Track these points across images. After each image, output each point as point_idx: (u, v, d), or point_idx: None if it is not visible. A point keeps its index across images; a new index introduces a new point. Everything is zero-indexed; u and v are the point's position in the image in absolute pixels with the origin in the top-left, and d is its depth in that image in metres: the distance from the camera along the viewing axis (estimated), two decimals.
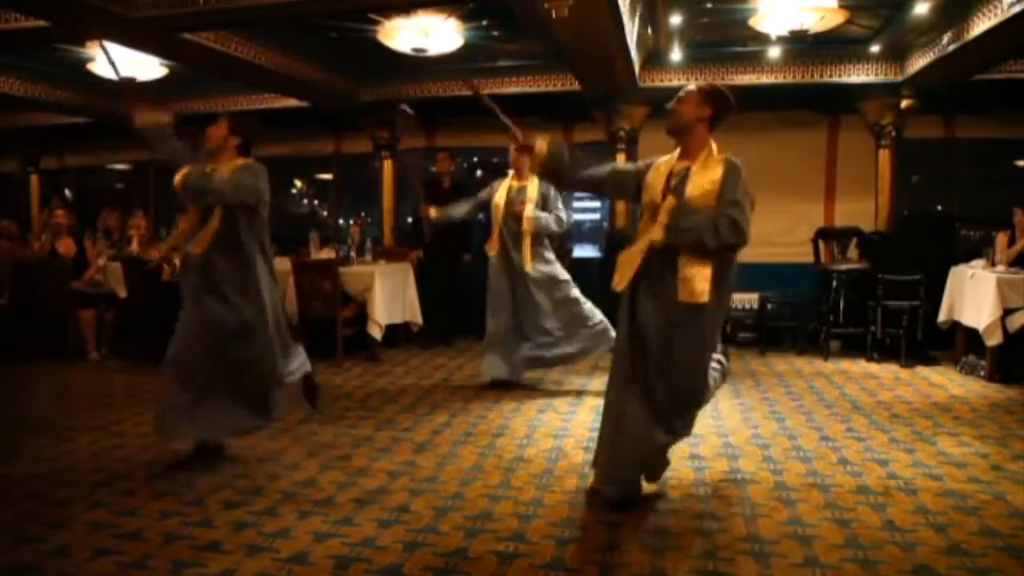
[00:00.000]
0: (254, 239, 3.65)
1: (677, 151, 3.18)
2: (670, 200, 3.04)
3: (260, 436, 3.97)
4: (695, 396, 3.22)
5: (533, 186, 5.24)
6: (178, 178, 3.58)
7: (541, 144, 3.27)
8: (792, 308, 7.06)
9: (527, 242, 5.17)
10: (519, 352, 5.31)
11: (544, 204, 5.21)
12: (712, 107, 3.08)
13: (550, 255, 5.30)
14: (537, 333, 5.27)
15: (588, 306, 5.26)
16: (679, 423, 3.23)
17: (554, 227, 5.23)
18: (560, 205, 5.27)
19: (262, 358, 3.66)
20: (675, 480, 3.48)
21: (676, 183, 3.07)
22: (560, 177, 3.47)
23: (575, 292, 5.26)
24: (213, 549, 2.77)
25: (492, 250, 5.32)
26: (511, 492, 3.34)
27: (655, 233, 3.04)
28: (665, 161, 3.19)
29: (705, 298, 3.02)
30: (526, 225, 5.13)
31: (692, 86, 3.17)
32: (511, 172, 5.40)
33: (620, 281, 3.15)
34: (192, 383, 3.58)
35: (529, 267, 5.17)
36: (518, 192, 5.25)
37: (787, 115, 7.32)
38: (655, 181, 3.14)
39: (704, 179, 3.02)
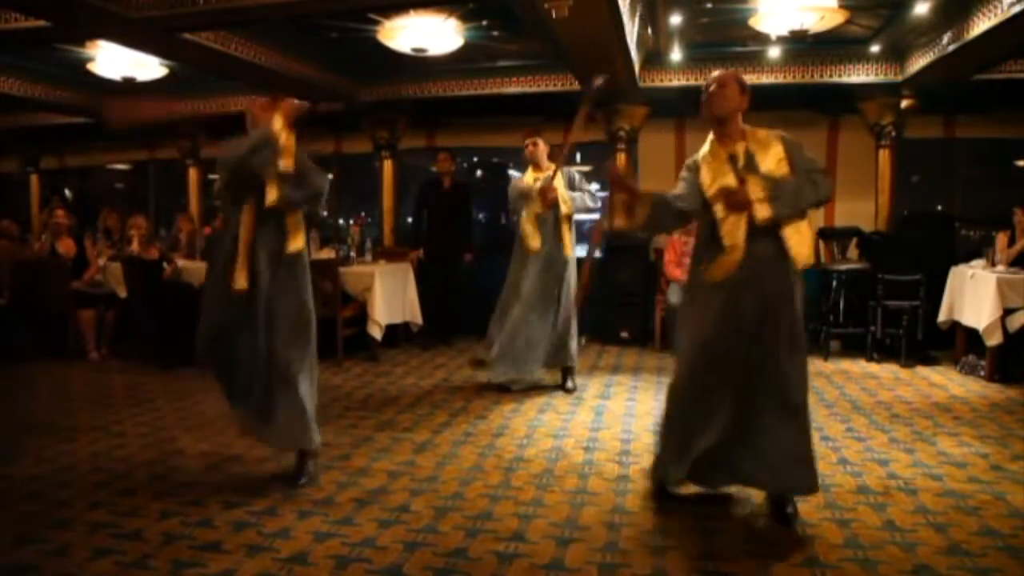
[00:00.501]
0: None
1: (710, 143, 3.09)
2: (753, 179, 2.96)
3: None
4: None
5: (557, 173, 5.18)
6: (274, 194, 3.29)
7: (645, 200, 3.09)
8: None
9: (565, 228, 5.13)
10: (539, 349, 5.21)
11: (572, 186, 5.17)
12: (748, 100, 3.07)
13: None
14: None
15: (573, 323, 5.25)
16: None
17: (591, 203, 5.17)
18: (587, 186, 5.23)
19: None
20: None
21: (745, 163, 3.00)
22: (657, 228, 3.36)
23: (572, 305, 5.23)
24: (213, 549, 2.77)
25: (534, 244, 5.15)
26: (511, 492, 3.34)
27: (759, 212, 2.92)
28: (710, 153, 3.07)
29: (812, 259, 3.04)
30: (564, 207, 5.05)
31: (725, 74, 3.08)
32: (529, 168, 5.32)
33: (724, 270, 2.98)
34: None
35: (569, 252, 5.13)
36: (545, 181, 5.09)
37: (787, 115, 7.30)
38: (716, 173, 3.03)
39: (770, 155, 2.99)
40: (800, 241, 2.98)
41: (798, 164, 3.00)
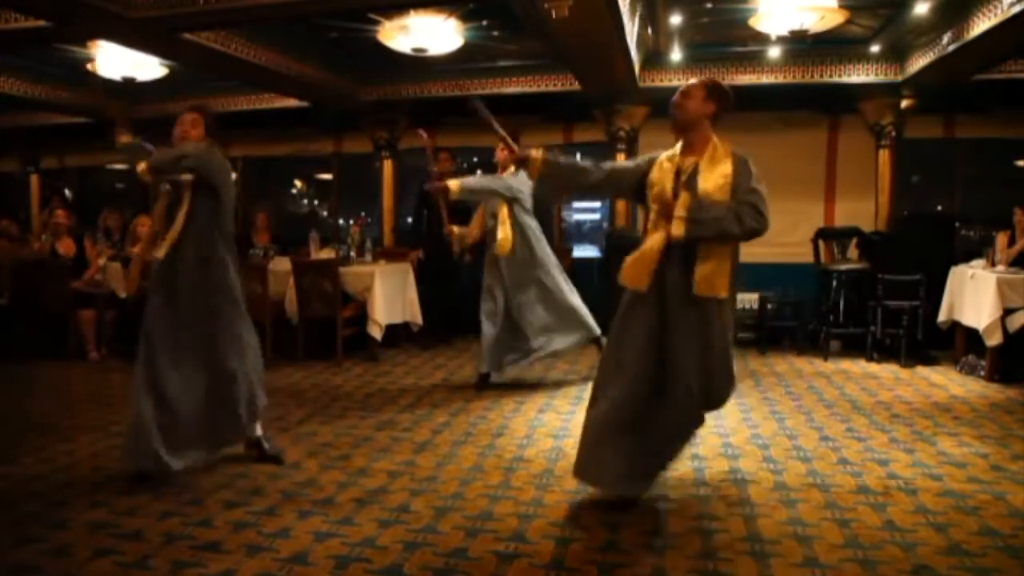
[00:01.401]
0: (222, 236, 3.51)
1: (679, 147, 3.17)
2: (684, 196, 3.01)
3: None
4: (726, 389, 3.23)
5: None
6: (143, 165, 3.35)
7: (535, 153, 3.26)
8: (792, 308, 7.06)
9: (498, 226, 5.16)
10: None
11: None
12: (716, 103, 3.09)
13: (533, 239, 5.27)
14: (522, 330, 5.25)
15: (571, 298, 5.26)
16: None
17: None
18: (529, 207, 5.24)
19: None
20: (675, 480, 3.48)
21: (687, 179, 3.05)
22: (557, 184, 3.42)
23: (557, 280, 5.23)
24: (213, 549, 2.77)
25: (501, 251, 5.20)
26: (511, 492, 3.34)
27: (674, 228, 2.99)
28: (668, 157, 3.16)
29: (724, 292, 3.05)
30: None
31: (694, 81, 3.17)
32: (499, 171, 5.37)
33: (636, 280, 3.09)
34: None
35: (506, 252, 5.14)
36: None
37: (787, 115, 7.32)
38: (662, 178, 3.11)
39: (715, 173, 3.02)
40: (710, 271, 3.00)
41: (738, 191, 2.99)
